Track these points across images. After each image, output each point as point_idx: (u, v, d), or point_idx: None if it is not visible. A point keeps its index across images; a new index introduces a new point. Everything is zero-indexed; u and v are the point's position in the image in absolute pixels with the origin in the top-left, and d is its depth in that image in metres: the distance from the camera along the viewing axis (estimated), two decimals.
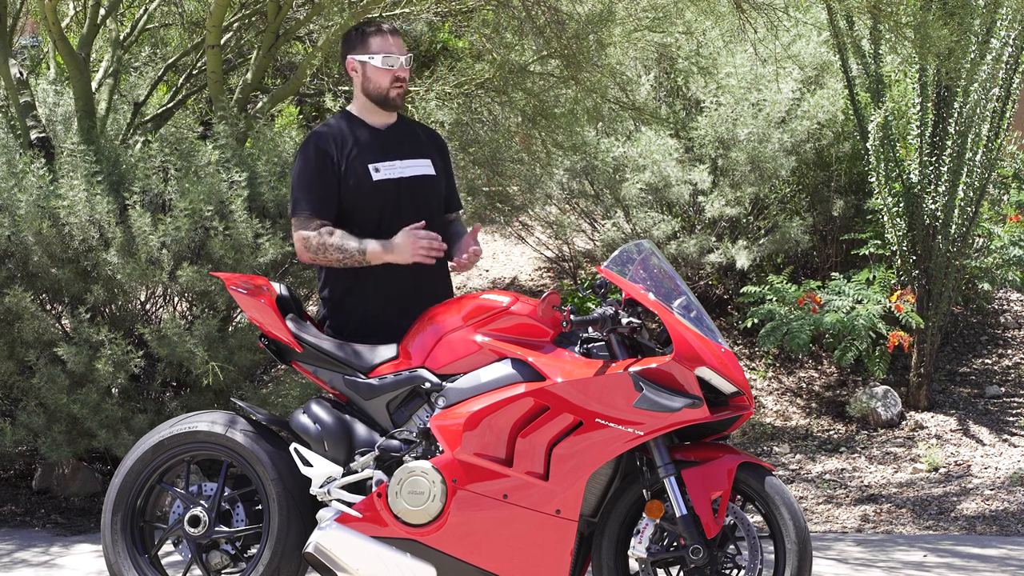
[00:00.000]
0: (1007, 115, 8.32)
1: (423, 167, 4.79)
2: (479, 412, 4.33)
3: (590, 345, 4.44)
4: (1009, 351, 9.32)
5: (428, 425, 4.41)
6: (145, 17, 8.14)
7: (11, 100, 7.36)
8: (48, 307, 6.81)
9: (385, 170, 4.72)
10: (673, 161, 8.99)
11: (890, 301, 8.42)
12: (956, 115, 8.24)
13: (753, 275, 9.37)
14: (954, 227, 8.35)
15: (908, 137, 8.55)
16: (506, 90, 7.82)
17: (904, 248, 8.44)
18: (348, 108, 4.87)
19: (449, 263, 4.88)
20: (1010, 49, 8.16)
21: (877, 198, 8.47)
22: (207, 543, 4.64)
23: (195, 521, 4.62)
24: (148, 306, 6.96)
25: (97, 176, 6.50)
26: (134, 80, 8.22)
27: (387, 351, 4.61)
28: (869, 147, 8.31)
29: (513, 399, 4.32)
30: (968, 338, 9.48)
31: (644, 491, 4.37)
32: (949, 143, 8.28)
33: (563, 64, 7.44)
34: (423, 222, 4.67)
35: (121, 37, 7.97)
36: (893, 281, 8.63)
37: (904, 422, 8.44)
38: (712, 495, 4.28)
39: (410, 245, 4.61)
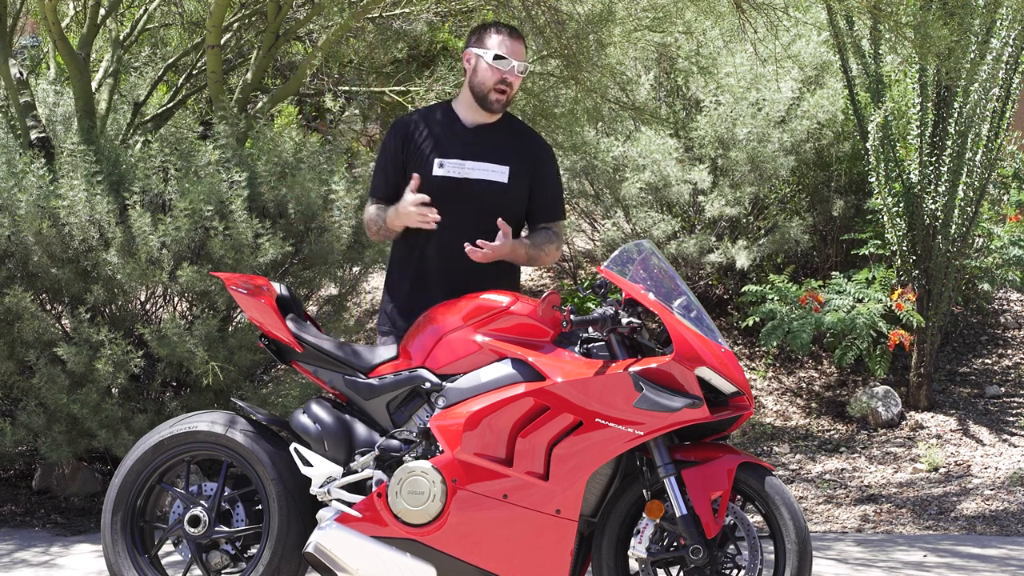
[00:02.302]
0: (1007, 115, 8.32)
1: (493, 173, 4.68)
2: (479, 412, 4.33)
3: (590, 345, 4.44)
4: (1009, 351, 9.32)
5: (428, 425, 4.40)
6: (145, 17, 8.13)
7: (11, 100, 7.36)
8: (48, 307, 6.80)
9: (450, 168, 4.66)
10: (673, 161, 8.99)
11: (891, 299, 8.42)
12: (956, 115, 8.24)
13: (753, 275, 9.37)
14: (954, 227, 8.35)
15: (908, 137, 8.55)
16: None
17: (904, 248, 8.44)
18: (452, 100, 4.82)
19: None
20: (1010, 49, 8.16)
21: (877, 198, 8.47)
22: (207, 543, 4.64)
23: (195, 521, 4.62)
24: (148, 306, 6.96)
25: (97, 176, 6.50)
26: (134, 80, 8.22)
27: (387, 351, 4.61)
28: (869, 147, 8.30)
29: (513, 399, 4.31)
30: (968, 338, 9.48)
31: (644, 491, 4.37)
32: (949, 143, 8.27)
33: (563, 64, 7.43)
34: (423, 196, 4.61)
35: (121, 37, 7.96)
36: (893, 281, 8.63)
37: (904, 422, 8.44)
38: (712, 495, 4.27)
39: (404, 209, 4.62)
